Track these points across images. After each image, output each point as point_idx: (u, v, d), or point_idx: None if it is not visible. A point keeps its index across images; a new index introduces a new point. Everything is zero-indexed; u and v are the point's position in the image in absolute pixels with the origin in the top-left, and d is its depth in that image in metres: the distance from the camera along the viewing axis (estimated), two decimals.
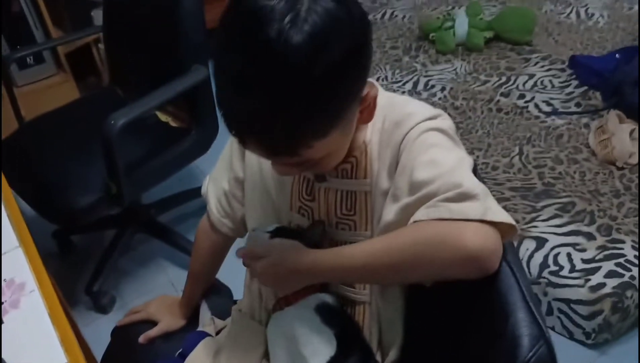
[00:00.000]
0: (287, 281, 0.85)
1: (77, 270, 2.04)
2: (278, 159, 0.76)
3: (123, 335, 1.21)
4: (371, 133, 0.82)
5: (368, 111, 0.77)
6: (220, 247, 1.13)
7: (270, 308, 0.95)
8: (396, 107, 0.82)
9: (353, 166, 0.83)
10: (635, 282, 1.65)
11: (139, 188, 1.80)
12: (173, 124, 1.91)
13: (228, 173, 1.00)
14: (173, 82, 1.64)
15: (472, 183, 0.71)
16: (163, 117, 1.93)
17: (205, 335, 1.06)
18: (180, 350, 1.05)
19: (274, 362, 0.89)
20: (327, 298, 0.88)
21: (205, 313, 1.16)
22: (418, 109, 0.81)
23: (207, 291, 1.21)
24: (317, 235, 0.88)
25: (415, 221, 0.72)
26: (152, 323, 1.18)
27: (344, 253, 0.79)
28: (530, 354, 0.62)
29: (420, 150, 0.76)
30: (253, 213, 0.98)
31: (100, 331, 1.34)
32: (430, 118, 0.78)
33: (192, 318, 1.20)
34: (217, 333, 1.08)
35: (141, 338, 1.14)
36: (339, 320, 0.87)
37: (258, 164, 0.94)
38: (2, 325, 0.85)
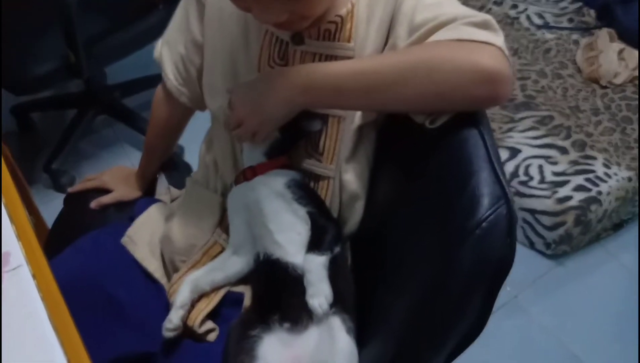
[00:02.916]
0: (269, 111, 0.76)
1: (37, 149, 1.96)
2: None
3: (75, 201, 1.16)
4: None
5: None
6: (178, 118, 1.06)
7: (227, 179, 0.90)
8: None
9: (337, 27, 0.76)
10: (601, 197, 1.66)
11: (100, 61, 1.70)
12: None
13: (184, 35, 0.90)
14: None
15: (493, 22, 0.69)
16: None
17: (158, 201, 1.01)
18: (130, 216, 1.00)
19: (232, 233, 0.85)
20: (296, 174, 0.84)
21: (161, 183, 1.11)
22: None
23: (165, 165, 1.16)
24: None
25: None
26: (106, 192, 1.13)
27: (345, 64, 0.73)
28: (488, 213, 0.58)
29: None
30: (212, 81, 0.89)
31: (58, 209, 1.29)
32: None
33: (148, 191, 1.16)
34: (172, 202, 1.03)
35: (93, 204, 1.09)
36: (311, 197, 0.82)
37: (219, 26, 0.84)
38: None
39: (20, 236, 0.60)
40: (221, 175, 0.91)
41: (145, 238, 0.91)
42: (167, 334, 0.79)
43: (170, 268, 0.88)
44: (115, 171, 1.18)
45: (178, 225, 0.90)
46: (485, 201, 0.59)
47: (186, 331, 0.81)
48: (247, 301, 0.84)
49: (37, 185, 1.86)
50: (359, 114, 0.80)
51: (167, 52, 0.93)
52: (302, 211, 0.80)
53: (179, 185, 1.11)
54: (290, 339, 0.75)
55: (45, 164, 1.83)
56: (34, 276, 0.57)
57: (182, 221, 0.90)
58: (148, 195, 1.13)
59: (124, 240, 0.92)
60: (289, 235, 0.80)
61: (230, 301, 0.84)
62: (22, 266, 0.58)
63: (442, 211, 0.65)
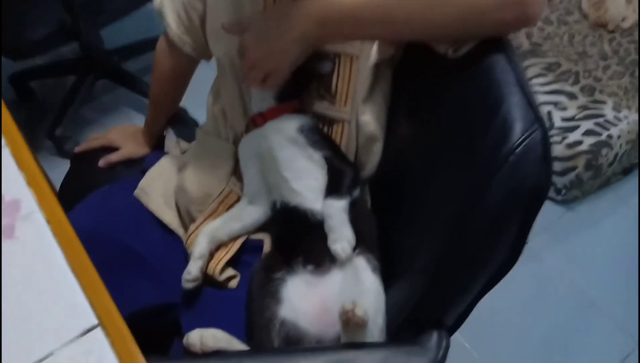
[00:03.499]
0: (285, 49, 0.72)
1: (39, 118, 1.92)
2: None
3: (82, 161, 1.14)
4: None
5: None
6: (182, 69, 1.03)
7: (237, 128, 0.88)
8: None
9: None
10: (612, 141, 1.64)
11: (96, 22, 1.65)
12: None
13: None
14: None
15: None
16: None
17: (168, 154, 0.99)
18: (141, 169, 0.99)
19: (246, 183, 0.84)
20: (307, 119, 0.81)
21: (170, 137, 1.09)
22: None
23: (172, 120, 1.13)
24: None
25: None
26: (113, 150, 1.11)
27: None
28: (522, 138, 0.56)
29: None
30: (216, 25, 0.86)
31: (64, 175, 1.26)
32: None
33: (157, 148, 1.14)
34: (182, 154, 1.01)
35: (101, 162, 1.08)
36: (325, 141, 0.80)
37: None
38: None
39: (30, 182, 0.58)
40: (231, 124, 0.89)
41: (158, 190, 0.90)
42: (187, 285, 0.78)
43: (187, 219, 0.87)
44: (121, 129, 1.16)
45: (192, 175, 0.88)
46: (518, 127, 0.57)
47: (206, 280, 0.81)
48: (266, 248, 0.83)
49: (42, 153, 1.84)
50: (374, 51, 0.77)
51: (168, 0, 0.90)
52: (317, 155, 0.78)
53: (188, 139, 1.09)
54: (314, 280, 0.75)
55: (49, 131, 1.80)
56: (48, 221, 0.55)
57: (196, 171, 0.88)
58: (157, 151, 1.11)
59: (137, 193, 0.90)
60: (305, 181, 0.78)
61: (250, 248, 0.83)
62: (34, 212, 0.56)
63: (469, 142, 0.63)
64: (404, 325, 0.71)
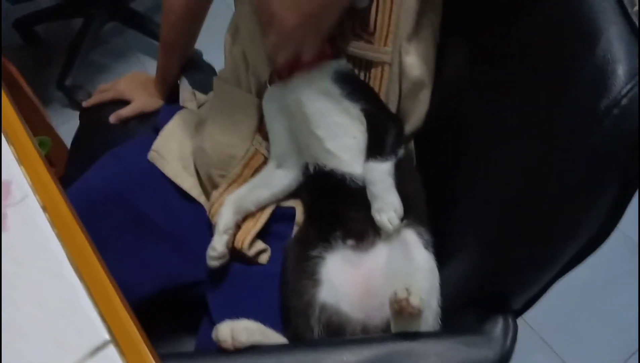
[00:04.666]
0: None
1: (47, 64, 1.82)
2: None
3: (91, 117, 1.04)
4: None
5: None
6: (195, 7, 0.90)
7: (260, 75, 0.75)
8: None
9: None
10: None
11: None
12: None
13: None
14: None
15: None
16: None
17: (183, 109, 0.88)
18: (154, 127, 0.88)
19: (272, 144, 0.73)
20: (342, 65, 0.69)
21: (185, 88, 0.97)
22: None
23: (186, 67, 1.01)
24: None
25: None
26: (124, 103, 1.00)
27: None
28: (629, 84, 0.43)
29: None
30: None
31: (72, 128, 1.16)
32: None
33: (171, 98, 1.02)
34: (199, 108, 0.90)
35: (112, 118, 0.97)
36: (364, 91, 0.68)
37: None
38: None
39: (22, 160, 0.48)
40: (253, 70, 0.76)
41: (174, 152, 0.79)
42: (212, 263, 0.69)
43: (208, 185, 0.76)
44: (130, 78, 1.04)
45: (211, 134, 0.76)
46: (623, 69, 0.44)
47: (234, 254, 0.71)
48: (299, 216, 0.73)
49: (53, 105, 1.74)
50: None
51: None
52: (354, 109, 0.67)
53: (204, 89, 0.97)
54: (356, 258, 0.65)
55: (58, 81, 1.70)
56: (44, 208, 0.45)
57: (215, 129, 0.76)
58: (171, 103, 1.00)
59: (151, 156, 0.79)
60: (342, 140, 0.67)
61: (280, 217, 0.73)
62: (28, 196, 0.46)
63: (551, 90, 0.50)
64: (463, 310, 0.61)
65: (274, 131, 0.72)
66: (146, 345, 0.41)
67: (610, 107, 0.44)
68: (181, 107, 0.87)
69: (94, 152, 0.90)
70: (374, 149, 0.65)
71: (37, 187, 0.46)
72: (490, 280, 0.59)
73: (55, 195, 0.46)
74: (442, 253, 0.63)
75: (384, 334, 0.59)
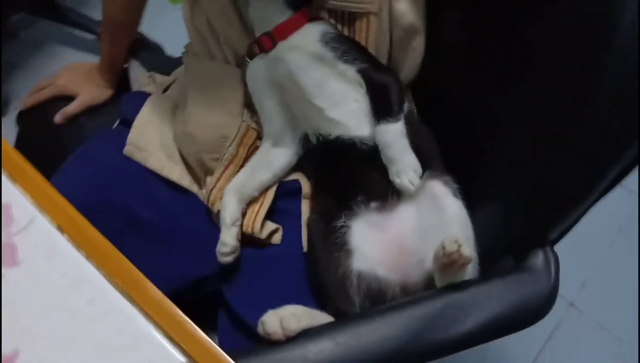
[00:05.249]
0: None
1: None
2: None
3: (32, 120, 0.92)
4: None
5: None
6: None
7: (237, 45, 0.68)
8: None
9: None
10: None
11: None
12: None
13: None
14: None
15: None
16: None
17: (147, 95, 0.79)
18: (120, 119, 0.79)
19: (264, 122, 0.67)
20: (327, 25, 0.64)
21: (137, 71, 0.88)
22: None
23: (132, 48, 0.91)
24: None
25: None
26: (68, 99, 0.90)
27: None
28: None
29: None
30: None
31: (6, 135, 1.03)
32: None
33: (121, 86, 0.92)
34: (165, 91, 0.81)
35: (57, 117, 0.87)
36: (357, 49, 0.64)
37: None
38: None
39: (19, 181, 0.39)
40: (226, 40, 0.69)
41: (155, 141, 0.71)
42: (224, 259, 0.63)
43: (200, 171, 0.69)
44: (71, 70, 0.93)
45: (196, 116, 0.69)
46: None
47: (243, 240, 0.66)
48: (305, 187, 0.68)
49: None
50: None
51: None
52: (351, 70, 0.63)
53: (161, 69, 0.88)
54: (382, 219, 0.62)
55: None
56: (60, 229, 0.38)
57: (200, 110, 0.69)
58: (121, 92, 0.90)
59: (128, 150, 0.71)
60: (344, 107, 0.63)
61: (285, 193, 0.68)
62: (36, 218, 0.38)
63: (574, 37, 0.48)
64: (497, 252, 0.60)
65: (264, 108, 0.67)
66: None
67: None
68: (145, 94, 0.78)
69: (46, 158, 0.80)
70: (382, 111, 0.62)
71: (47, 208, 0.38)
72: (524, 219, 0.58)
73: (72, 214, 0.38)
74: (471, 198, 0.61)
75: (430, 291, 0.57)
